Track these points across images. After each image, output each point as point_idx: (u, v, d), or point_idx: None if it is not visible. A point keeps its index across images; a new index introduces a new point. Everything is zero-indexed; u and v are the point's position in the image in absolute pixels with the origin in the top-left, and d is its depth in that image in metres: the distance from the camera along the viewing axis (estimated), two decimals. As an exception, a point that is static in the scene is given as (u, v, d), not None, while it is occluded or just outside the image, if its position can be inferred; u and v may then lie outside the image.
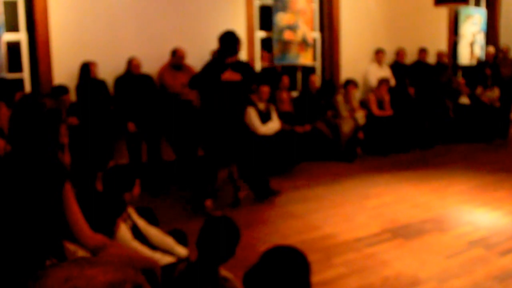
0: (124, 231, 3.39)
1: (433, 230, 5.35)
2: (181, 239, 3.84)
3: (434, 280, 4.20)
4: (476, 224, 5.56)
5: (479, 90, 10.92)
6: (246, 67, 6.11)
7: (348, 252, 4.77)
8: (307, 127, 8.35)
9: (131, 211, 3.66)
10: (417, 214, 5.86)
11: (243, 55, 8.26)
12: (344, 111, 8.73)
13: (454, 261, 4.59)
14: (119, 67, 7.11)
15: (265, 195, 6.39)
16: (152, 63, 7.30)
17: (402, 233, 5.25)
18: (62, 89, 6.35)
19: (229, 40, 5.86)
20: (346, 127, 8.58)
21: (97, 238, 2.70)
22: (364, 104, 9.30)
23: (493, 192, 6.74)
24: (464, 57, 12.00)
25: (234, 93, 5.97)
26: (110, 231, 3.18)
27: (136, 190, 3.64)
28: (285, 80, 8.47)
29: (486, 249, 4.85)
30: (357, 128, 8.67)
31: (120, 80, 7.06)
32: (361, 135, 8.75)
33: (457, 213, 5.92)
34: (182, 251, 3.64)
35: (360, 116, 8.75)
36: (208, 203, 6.00)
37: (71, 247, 2.74)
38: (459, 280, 4.20)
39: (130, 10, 7.34)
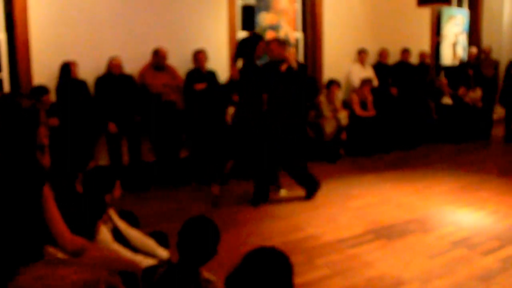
0: (104, 234, 3.33)
1: (416, 230, 5.35)
2: (163, 241, 3.79)
3: (417, 280, 4.19)
4: (459, 224, 5.57)
5: (461, 90, 10.98)
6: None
7: (331, 253, 4.75)
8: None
9: (112, 213, 3.60)
10: (400, 214, 5.86)
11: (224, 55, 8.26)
12: (327, 111, 8.72)
13: (437, 261, 4.59)
14: (100, 67, 7.02)
15: (314, 188, 6.53)
16: (133, 63, 7.22)
17: (385, 233, 5.25)
18: (42, 90, 6.26)
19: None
20: (329, 127, 8.58)
21: (77, 241, 2.65)
22: (347, 104, 9.30)
23: (475, 192, 6.76)
24: (447, 57, 12.07)
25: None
26: (91, 234, 3.13)
27: (117, 191, 3.59)
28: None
29: (468, 249, 4.86)
30: (340, 128, 8.66)
31: (100, 80, 6.97)
32: (344, 135, 8.75)
33: (440, 214, 5.93)
34: (163, 253, 3.59)
35: (343, 116, 8.74)
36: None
37: (51, 250, 2.69)
38: (442, 280, 4.20)
39: (111, 9, 7.26)
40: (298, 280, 3.98)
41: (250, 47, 6.27)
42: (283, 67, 6.23)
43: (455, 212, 5.98)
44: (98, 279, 2.18)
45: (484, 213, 5.95)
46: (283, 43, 6.46)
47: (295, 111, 6.37)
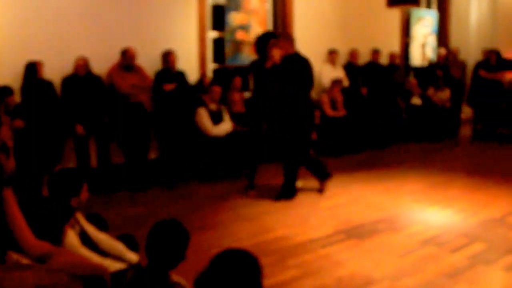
0: (71, 238, 3.27)
1: (386, 230, 5.37)
2: (132, 244, 3.74)
3: (387, 279, 4.21)
4: (428, 223, 5.61)
5: (430, 91, 11.10)
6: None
7: (302, 253, 4.74)
8: (260, 128, 8.30)
9: (79, 217, 3.53)
10: (370, 214, 5.88)
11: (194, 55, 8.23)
12: (297, 112, 8.71)
13: (406, 260, 4.62)
14: (67, 67, 6.88)
15: (325, 175, 6.79)
16: (101, 63, 7.11)
17: (355, 233, 5.26)
18: (6, 90, 6.11)
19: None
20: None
21: (42, 246, 2.60)
22: (317, 104, 9.31)
23: (444, 191, 6.83)
24: (416, 58, 12.18)
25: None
26: (57, 238, 3.08)
27: (84, 194, 3.52)
28: (237, 80, 8.40)
29: (437, 247, 4.90)
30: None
31: (67, 81, 6.85)
32: (314, 135, 8.74)
33: (409, 213, 5.97)
34: (132, 256, 3.54)
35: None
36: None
37: (14, 256, 2.63)
38: (412, 278, 4.22)
39: (78, 7, 7.14)
40: (269, 281, 3.99)
41: (262, 44, 6.52)
42: (268, 64, 6.27)
43: (424, 211, 6.02)
44: (56, 283, 2.13)
45: (452, 211, 6.01)
46: (287, 37, 6.68)
47: (292, 109, 6.39)
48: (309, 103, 6.60)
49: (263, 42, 6.51)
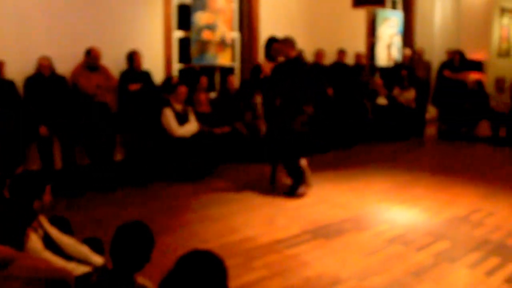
0: (34, 241, 3.22)
1: (352, 229, 5.40)
2: (97, 247, 3.70)
3: (354, 278, 4.22)
4: (394, 221, 5.66)
5: (396, 91, 11.21)
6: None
7: (269, 254, 4.73)
8: (226, 129, 8.27)
9: (43, 220, 3.47)
10: (337, 214, 5.91)
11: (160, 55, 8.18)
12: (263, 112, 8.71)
13: (373, 258, 4.65)
14: (29, 67, 6.74)
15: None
16: (65, 63, 6.99)
17: (322, 233, 5.27)
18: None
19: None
20: (265, 128, 8.57)
21: (3, 251, 2.54)
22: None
23: (410, 190, 6.91)
24: (382, 58, 12.29)
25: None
26: (19, 242, 3.02)
27: (47, 197, 3.45)
28: (203, 81, 8.36)
29: (403, 245, 4.94)
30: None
31: (30, 81, 6.71)
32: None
33: (376, 212, 6.01)
34: (98, 259, 3.50)
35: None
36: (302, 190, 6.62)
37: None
38: (379, 277, 4.25)
39: (41, 6, 6.98)
40: (236, 282, 3.98)
41: (267, 50, 7.14)
42: (261, 75, 6.55)
43: (390, 210, 6.08)
44: None
45: (418, 210, 6.08)
46: (286, 41, 6.78)
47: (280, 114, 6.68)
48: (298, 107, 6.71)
49: (268, 48, 6.99)
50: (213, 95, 8.91)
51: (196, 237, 5.14)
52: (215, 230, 5.37)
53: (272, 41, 6.93)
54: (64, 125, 6.79)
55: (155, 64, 8.05)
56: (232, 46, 9.30)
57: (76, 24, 7.29)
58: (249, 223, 5.58)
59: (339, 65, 10.59)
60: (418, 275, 4.29)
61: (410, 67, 11.62)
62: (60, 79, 6.91)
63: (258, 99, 8.76)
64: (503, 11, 13.82)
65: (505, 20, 13.97)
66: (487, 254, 4.74)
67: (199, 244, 4.81)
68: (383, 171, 7.96)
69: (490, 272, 4.36)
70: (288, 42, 6.78)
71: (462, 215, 5.88)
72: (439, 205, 6.27)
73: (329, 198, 6.56)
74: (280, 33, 9.51)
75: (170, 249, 4.58)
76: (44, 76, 6.72)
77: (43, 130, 6.58)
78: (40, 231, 3.38)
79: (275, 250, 4.83)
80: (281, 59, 6.83)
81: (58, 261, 3.22)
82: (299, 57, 6.88)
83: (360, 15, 11.63)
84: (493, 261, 4.59)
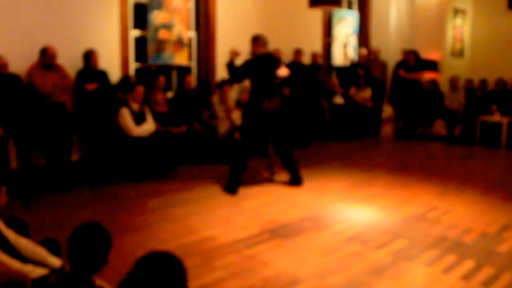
0: (-11, 244, 3.13)
1: (311, 228, 5.41)
2: (54, 249, 3.60)
3: (313, 277, 4.23)
4: (352, 220, 5.70)
5: (352, 90, 11.32)
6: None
7: (228, 254, 4.70)
8: (183, 128, 8.19)
9: (-2, 222, 3.38)
10: (295, 213, 5.91)
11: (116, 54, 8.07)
12: (220, 111, 8.68)
13: (332, 258, 4.66)
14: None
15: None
16: (20, 61, 6.81)
17: (281, 232, 5.27)
18: None
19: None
20: (223, 127, 8.54)
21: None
22: (240, 104, 9.28)
23: (367, 188, 6.97)
24: (338, 58, 12.39)
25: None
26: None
27: (2, 198, 3.36)
28: (161, 80, 8.28)
29: (361, 244, 4.98)
30: (233, 128, 8.60)
31: (-16, 80, 6.56)
32: (237, 135, 8.72)
33: (334, 211, 6.04)
34: (55, 261, 3.41)
35: (237, 116, 8.70)
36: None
37: None
38: (337, 276, 4.26)
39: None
40: (195, 283, 3.94)
41: None
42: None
43: (348, 209, 6.12)
44: None
45: (375, 208, 6.14)
46: (253, 39, 7.11)
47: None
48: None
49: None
50: (170, 94, 8.83)
51: (155, 238, 5.08)
52: (174, 230, 5.31)
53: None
54: (20, 125, 6.63)
55: (112, 63, 7.93)
56: (189, 45, 9.24)
57: (31, 22, 7.13)
58: (208, 223, 5.54)
59: (295, 64, 10.60)
60: (376, 274, 4.32)
61: (366, 66, 11.73)
62: (14, 77, 6.74)
63: (215, 99, 8.73)
64: (456, 11, 14.11)
65: (458, 20, 14.26)
66: (444, 252, 4.81)
67: (157, 245, 4.77)
68: (340, 170, 8.02)
69: (447, 270, 4.43)
70: (255, 40, 7.00)
71: (418, 213, 5.96)
72: (396, 203, 6.34)
73: (287, 197, 6.57)
74: (236, 33, 9.56)
75: (128, 251, 4.51)
76: (-1, 75, 6.56)
77: (-3, 129, 6.43)
78: (-5, 234, 3.29)
79: (234, 250, 4.81)
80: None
81: (14, 264, 3.14)
82: (267, 55, 6.97)
83: (316, 15, 11.69)
84: (450, 258, 4.66)
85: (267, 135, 7.00)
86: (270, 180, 7.31)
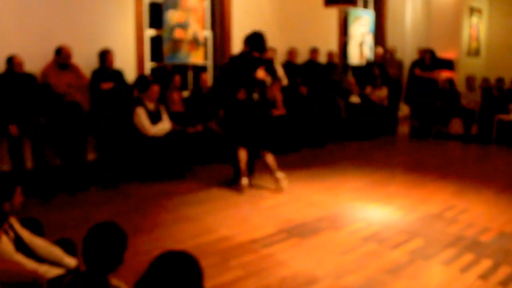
0: (5, 244, 3.15)
1: (327, 228, 5.39)
2: (70, 249, 3.62)
3: (330, 277, 4.21)
4: (368, 220, 5.67)
5: (368, 89, 11.27)
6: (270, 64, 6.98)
7: (245, 254, 4.70)
8: (199, 128, 8.20)
9: (13, 222, 3.40)
10: (311, 212, 5.90)
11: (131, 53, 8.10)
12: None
13: (348, 257, 4.64)
14: (-2, 65, 6.65)
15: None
16: (35, 61, 6.86)
17: (297, 232, 5.26)
18: None
19: (258, 39, 6.83)
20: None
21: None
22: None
23: (384, 188, 6.93)
24: (354, 57, 12.35)
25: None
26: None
27: (17, 198, 3.38)
28: (177, 79, 8.29)
29: (378, 243, 4.95)
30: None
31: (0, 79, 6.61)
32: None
33: (350, 210, 6.02)
34: (71, 261, 3.44)
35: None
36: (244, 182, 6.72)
37: None
38: (354, 275, 4.24)
39: (11, 3, 6.87)
40: (211, 282, 3.94)
41: None
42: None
43: (365, 208, 6.09)
44: None
45: (392, 207, 6.10)
46: (245, 39, 6.95)
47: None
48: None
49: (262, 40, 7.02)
50: (186, 94, 8.84)
51: (171, 238, 5.09)
52: (190, 230, 5.32)
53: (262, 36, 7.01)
54: (35, 125, 6.67)
55: (127, 63, 7.97)
56: (205, 44, 9.25)
57: (47, 22, 7.18)
58: (224, 222, 5.55)
59: (311, 63, 10.61)
60: (393, 273, 4.29)
61: (382, 65, 11.68)
62: (30, 77, 6.79)
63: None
64: (472, 10, 13.99)
65: (474, 19, 14.14)
66: (461, 251, 4.77)
67: (174, 245, 4.78)
68: (356, 170, 7.99)
69: (465, 269, 4.39)
70: (245, 39, 6.91)
71: (436, 212, 5.92)
72: (413, 202, 6.30)
73: (303, 196, 6.55)
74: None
75: (144, 250, 4.52)
76: (14, 74, 6.60)
77: (13, 129, 6.46)
78: (11, 234, 3.31)
79: (250, 249, 4.80)
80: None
81: (29, 264, 3.16)
82: (247, 53, 6.84)
83: (332, 14, 11.66)
84: (467, 257, 4.62)
85: (248, 127, 6.77)
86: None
